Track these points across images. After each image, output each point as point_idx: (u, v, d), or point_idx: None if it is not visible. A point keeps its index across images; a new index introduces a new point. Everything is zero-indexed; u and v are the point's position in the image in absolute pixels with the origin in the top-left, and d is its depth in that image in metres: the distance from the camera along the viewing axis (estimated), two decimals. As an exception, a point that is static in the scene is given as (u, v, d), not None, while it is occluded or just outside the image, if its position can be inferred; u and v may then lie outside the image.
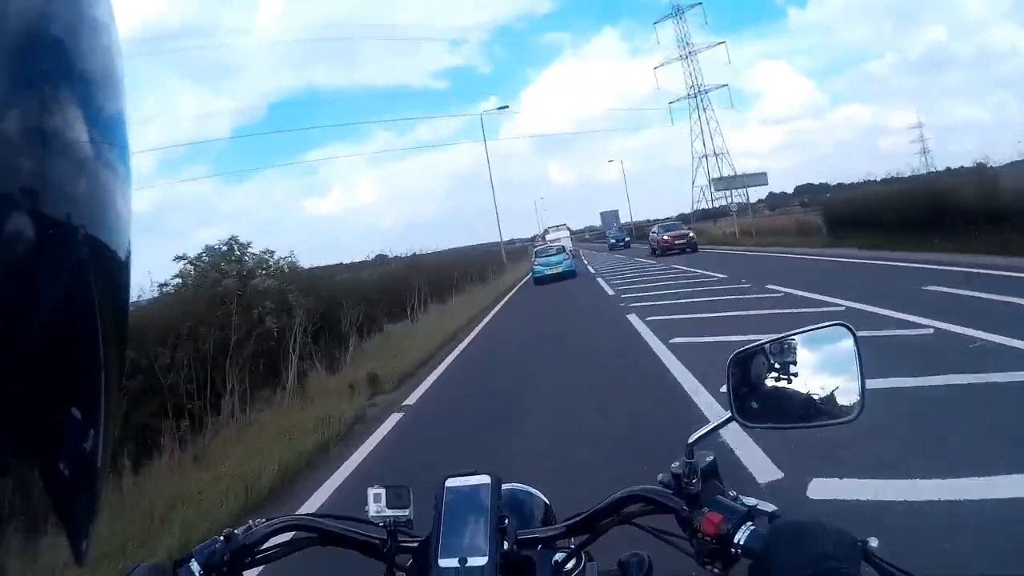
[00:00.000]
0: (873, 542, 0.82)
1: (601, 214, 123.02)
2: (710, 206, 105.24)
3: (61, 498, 0.41)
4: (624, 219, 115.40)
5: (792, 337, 1.05)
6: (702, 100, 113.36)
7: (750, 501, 0.97)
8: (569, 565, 1.08)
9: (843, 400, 1.02)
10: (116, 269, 0.44)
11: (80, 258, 0.40)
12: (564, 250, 31.08)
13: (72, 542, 0.42)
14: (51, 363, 0.39)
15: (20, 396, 0.37)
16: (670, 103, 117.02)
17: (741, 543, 0.92)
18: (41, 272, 0.37)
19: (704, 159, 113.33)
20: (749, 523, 0.94)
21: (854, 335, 1.02)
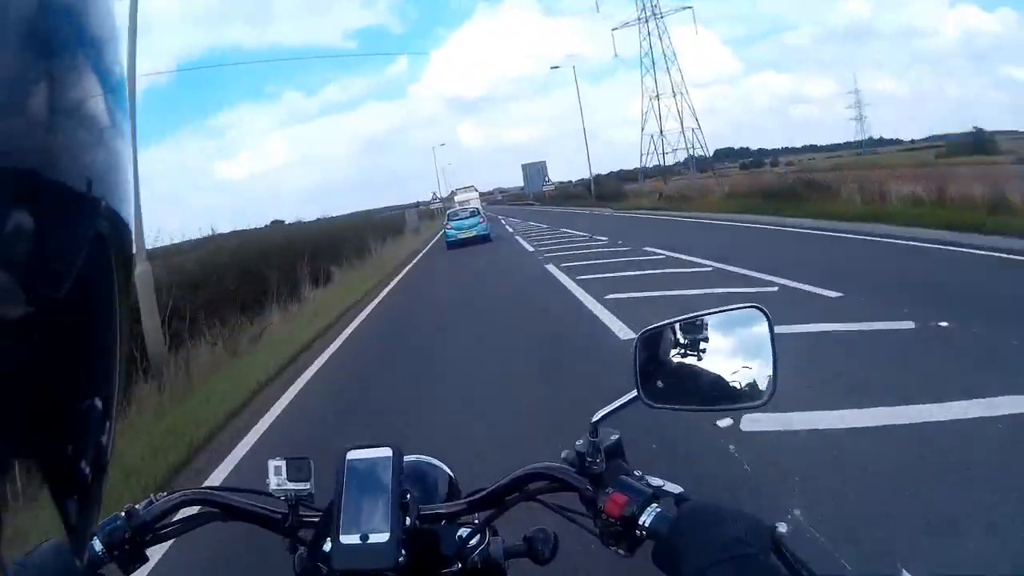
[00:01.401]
0: (782, 527, 0.82)
1: (524, 168, 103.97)
2: (662, 162, 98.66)
3: (65, 495, 0.39)
4: (554, 176, 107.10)
5: (704, 317, 1.04)
6: (658, 24, 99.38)
7: (656, 482, 0.96)
8: (473, 541, 1.07)
9: (754, 384, 1.01)
10: (127, 240, 0.43)
11: (100, 232, 0.39)
12: (479, 212, 30.24)
13: (72, 539, 0.41)
14: (77, 350, 0.38)
15: (40, 385, 0.35)
16: (614, 29, 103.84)
17: (646, 525, 0.91)
18: (66, 249, 0.35)
19: (655, 101, 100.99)
20: (655, 505, 0.93)
21: (768, 318, 1.01)
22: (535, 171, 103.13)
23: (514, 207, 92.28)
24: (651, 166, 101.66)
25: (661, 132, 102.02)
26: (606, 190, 60.59)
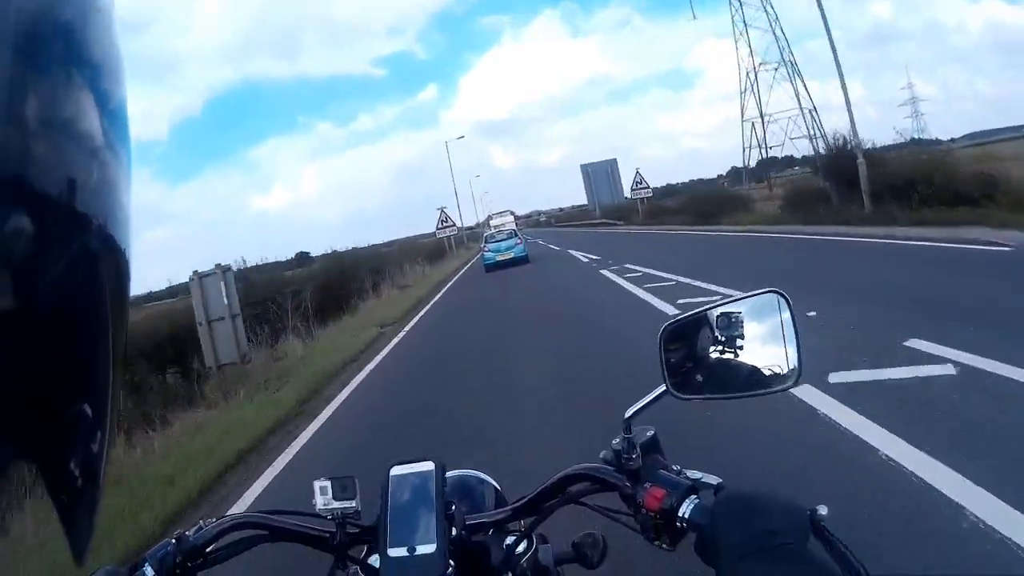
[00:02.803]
0: (822, 510, 0.80)
1: (585, 172, 76.93)
2: (765, 154, 72.49)
3: (64, 499, 0.40)
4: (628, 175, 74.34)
5: (725, 306, 1.05)
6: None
7: (694, 474, 0.97)
8: (521, 548, 1.08)
9: (779, 368, 1.02)
10: (122, 261, 0.44)
11: (92, 250, 0.40)
12: (516, 234, 30.42)
13: (72, 542, 0.42)
14: (62, 358, 0.38)
15: (30, 392, 0.36)
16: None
17: (686, 517, 0.92)
18: (55, 264, 0.36)
19: (752, 73, 72.37)
20: (693, 496, 0.93)
21: (788, 302, 1.02)
22: (602, 174, 76.25)
23: (565, 230, 72.80)
24: (753, 164, 76.39)
25: (762, 116, 73.52)
26: (703, 201, 41.32)
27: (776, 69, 72.07)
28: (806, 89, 72.62)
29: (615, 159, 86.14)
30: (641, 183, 50.18)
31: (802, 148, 67.76)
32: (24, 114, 0.35)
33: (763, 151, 71.11)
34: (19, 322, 0.34)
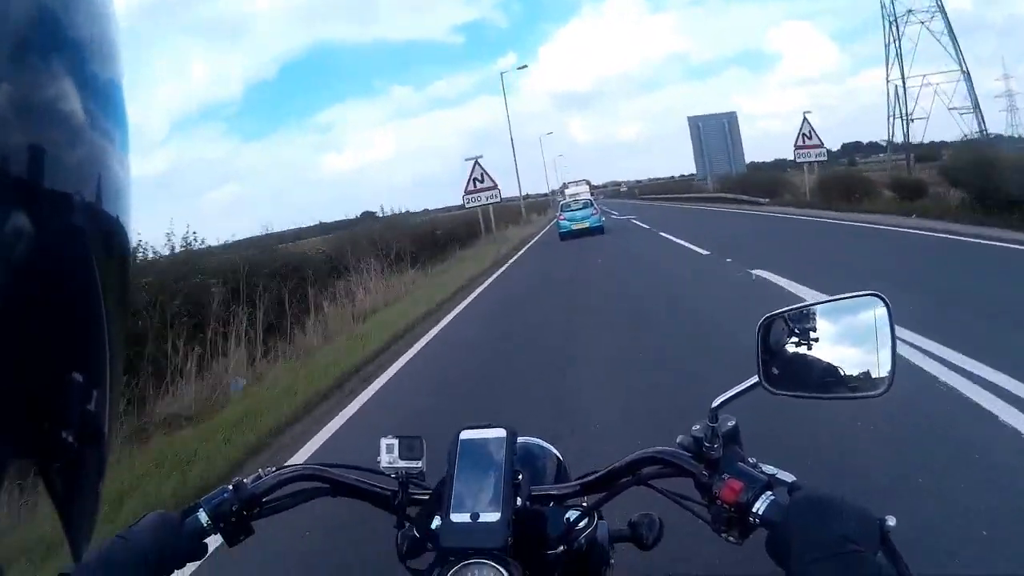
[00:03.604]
0: (891, 521, 0.81)
1: (693, 126, 55.50)
2: (905, 131, 54.78)
3: (63, 496, 0.40)
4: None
5: (823, 304, 1.03)
6: None
7: (770, 469, 0.96)
8: (582, 524, 1.07)
9: (872, 372, 0.99)
10: (116, 235, 0.44)
11: (78, 225, 0.39)
12: (591, 204, 29.59)
13: (71, 540, 0.42)
14: (53, 334, 0.38)
15: (19, 382, 0.36)
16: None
17: (760, 513, 0.91)
18: (39, 241, 0.36)
19: (894, 27, 56.01)
20: (769, 492, 0.92)
21: (888, 306, 0.99)
22: (716, 131, 53.88)
23: (659, 206, 57.07)
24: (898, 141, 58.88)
25: (903, 79, 56.77)
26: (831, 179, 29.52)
27: (926, 21, 54.58)
28: (958, 49, 55.04)
29: (734, 112, 58.30)
30: (810, 138, 28.70)
31: (954, 125, 54.61)
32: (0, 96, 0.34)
33: (904, 123, 50.89)
34: (3, 306, 0.34)
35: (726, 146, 55.27)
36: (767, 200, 33.10)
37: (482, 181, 26.47)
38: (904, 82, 57.48)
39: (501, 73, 44.76)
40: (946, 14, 55.41)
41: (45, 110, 0.37)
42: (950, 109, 56.43)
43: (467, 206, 27.50)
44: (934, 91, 57.39)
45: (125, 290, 0.46)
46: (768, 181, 39.07)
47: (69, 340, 0.40)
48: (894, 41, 57.46)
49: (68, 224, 0.39)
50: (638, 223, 31.85)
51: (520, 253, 25.81)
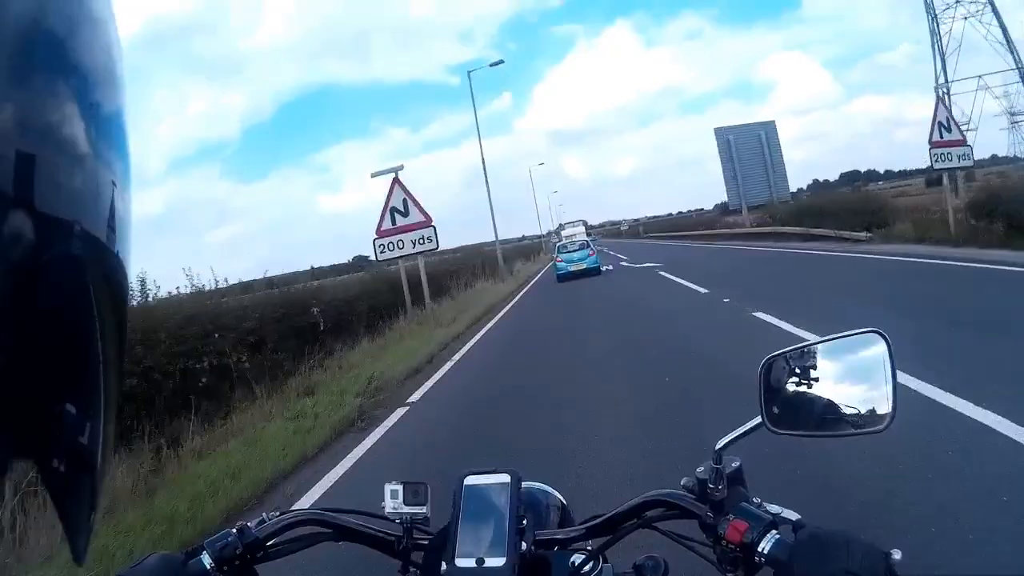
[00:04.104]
0: (896, 555, 0.81)
1: (721, 139, 43.93)
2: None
3: (61, 496, 0.41)
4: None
5: (824, 343, 1.03)
6: None
7: (774, 509, 0.96)
8: (587, 568, 1.07)
9: (874, 409, 1.00)
10: (114, 267, 0.44)
11: (76, 255, 0.40)
12: (588, 245, 29.13)
13: (71, 540, 0.42)
14: (48, 360, 0.38)
15: (17, 392, 0.36)
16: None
17: (765, 552, 0.90)
18: (36, 269, 0.36)
19: (936, 20, 47.24)
20: (774, 532, 0.92)
21: (888, 342, 1.00)
22: (751, 146, 42.83)
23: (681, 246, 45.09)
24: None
25: (947, 82, 49.04)
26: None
27: (974, 14, 44.76)
28: (1010, 46, 44.53)
29: (772, 122, 44.72)
30: (949, 130, 17.79)
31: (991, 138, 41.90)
32: (4, 121, 0.34)
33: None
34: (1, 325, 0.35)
35: (764, 164, 42.13)
36: (866, 235, 21.38)
37: (405, 214, 15.40)
38: (949, 88, 47.98)
39: (468, 72, 34.99)
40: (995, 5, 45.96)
41: (47, 133, 0.37)
42: (1013, 115, 47.47)
43: (379, 258, 16.18)
44: (980, 96, 47.98)
45: (122, 323, 0.46)
46: (860, 203, 26.47)
47: (63, 368, 0.40)
48: (936, 43, 48.92)
49: (66, 252, 0.39)
50: (676, 279, 18.80)
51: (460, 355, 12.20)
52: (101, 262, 0.42)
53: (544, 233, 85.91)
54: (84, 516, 0.43)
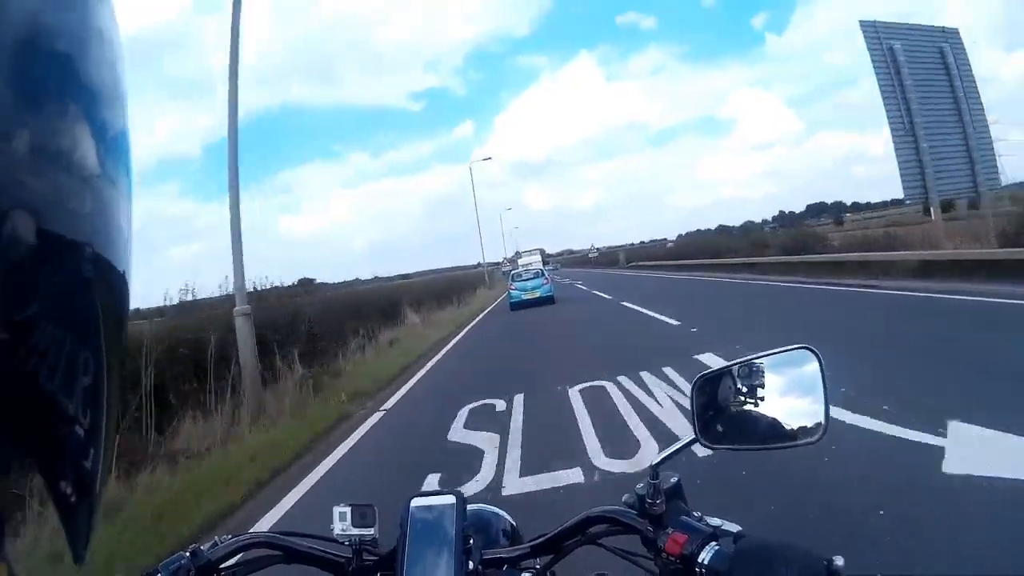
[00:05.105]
0: (839, 561, 0.81)
1: (875, 37, 18.64)
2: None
3: (61, 499, 0.41)
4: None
5: (757, 360, 1.06)
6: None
7: (714, 521, 0.98)
8: None
9: (806, 422, 1.03)
10: (119, 286, 0.45)
11: (85, 275, 0.40)
12: (542, 274, 29.29)
13: (72, 542, 0.43)
14: (54, 377, 0.39)
15: (22, 408, 0.37)
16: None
17: (705, 563, 0.92)
18: (46, 288, 0.37)
19: None
20: (713, 543, 0.94)
21: (819, 358, 1.03)
22: (932, 61, 19.50)
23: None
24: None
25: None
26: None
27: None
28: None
29: (956, 29, 19.21)
30: None
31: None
32: (17, 142, 0.35)
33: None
34: (11, 340, 0.35)
35: (956, 114, 21.58)
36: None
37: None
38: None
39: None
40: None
41: (60, 157, 0.38)
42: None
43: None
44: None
45: (124, 345, 0.47)
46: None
47: (66, 380, 0.40)
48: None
49: (78, 274, 0.39)
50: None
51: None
52: (107, 281, 0.43)
53: (492, 262, 77.59)
54: (84, 523, 0.44)
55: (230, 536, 1.13)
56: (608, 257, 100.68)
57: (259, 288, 17.54)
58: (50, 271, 0.37)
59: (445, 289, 37.40)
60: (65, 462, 0.41)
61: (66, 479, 0.41)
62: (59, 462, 0.41)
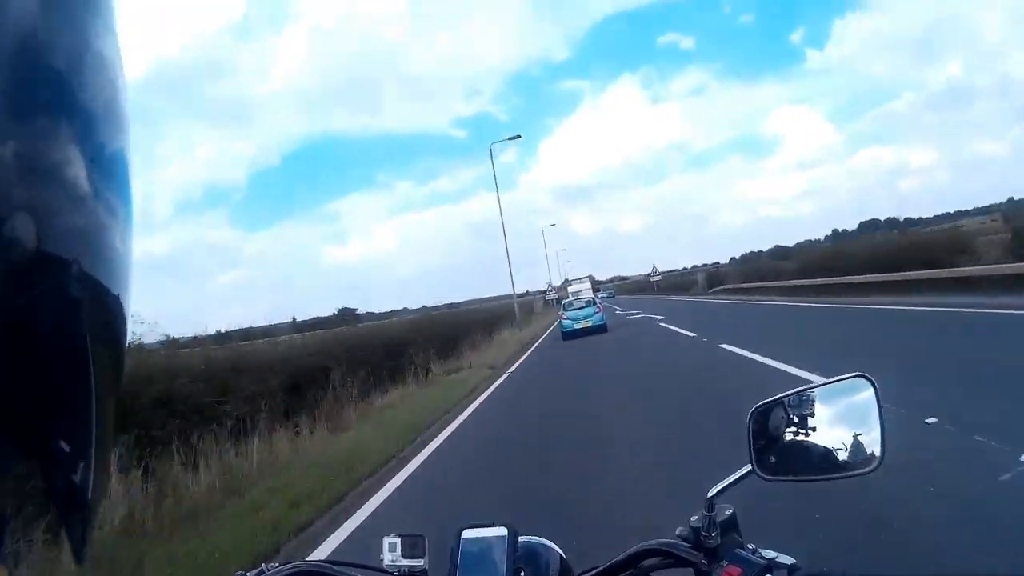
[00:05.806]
0: None
1: None
2: None
3: (60, 502, 0.42)
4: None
5: (812, 390, 1.05)
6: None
7: (769, 554, 0.97)
8: None
9: (862, 451, 1.01)
10: (111, 307, 0.44)
11: (73, 295, 0.40)
12: (594, 302, 28.43)
13: (71, 541, 0.43)
14: (41, 395, 0.39)
15: (10, 426, 0.37)
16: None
17: None
18: (31, 305, 0.37)
19: None
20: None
21: (874, 386, 1.02)
22: None
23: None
24: None
25: None
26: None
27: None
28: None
29: None
30: None
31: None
32: (1, 152, 0.35)
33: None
34: None
35: None
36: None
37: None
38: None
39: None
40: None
41: (48, 173, 0.37)
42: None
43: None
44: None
45: (118, 366, 0.47)
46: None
47: (55, 412, 0.40)
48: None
49: (63, 291, 0.39)
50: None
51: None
52: (98, 301, 0.42)
53: (548, 287, 71.53)
54: (83, 525, 0.44)
55: (277, 564, 1.13)
56: (671, 281, 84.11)
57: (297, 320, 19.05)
58: (31, 284, 0.36)
59: (451, 330, 27.67)
60: (61, 467, 0.41)
61: (62, 484, 0.41)
62: (55, 467, 0.41)
